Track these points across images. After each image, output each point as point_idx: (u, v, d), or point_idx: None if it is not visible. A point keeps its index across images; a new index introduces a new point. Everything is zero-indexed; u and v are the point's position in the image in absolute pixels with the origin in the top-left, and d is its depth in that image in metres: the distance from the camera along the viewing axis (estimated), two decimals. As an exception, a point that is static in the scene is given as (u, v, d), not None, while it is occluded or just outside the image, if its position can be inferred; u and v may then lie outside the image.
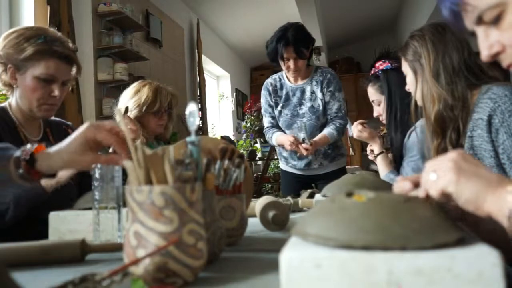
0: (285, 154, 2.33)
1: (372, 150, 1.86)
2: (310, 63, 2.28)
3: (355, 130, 1.82)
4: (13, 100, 1.29)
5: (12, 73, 1.23)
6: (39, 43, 1.21)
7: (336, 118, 2.18)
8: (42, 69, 1.22)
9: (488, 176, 0.51)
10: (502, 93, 0.98)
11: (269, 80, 2.32)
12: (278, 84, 2.28)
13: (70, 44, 1.30)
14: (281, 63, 2.15)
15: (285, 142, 2.14)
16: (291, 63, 2.11)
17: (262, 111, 2.36)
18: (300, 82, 2.24)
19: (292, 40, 2.06)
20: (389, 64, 1.69)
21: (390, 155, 1.77)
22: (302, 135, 2.18)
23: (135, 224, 0.57)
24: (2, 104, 1.32)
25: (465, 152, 0.54)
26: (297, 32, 2.09)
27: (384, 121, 1.74)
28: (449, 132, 1.10)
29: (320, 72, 2.23)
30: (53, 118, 1.42)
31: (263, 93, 2.31)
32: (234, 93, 6.60)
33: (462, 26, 0.61)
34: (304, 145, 2.09)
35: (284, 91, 2.26)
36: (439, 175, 0.52)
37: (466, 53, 1.11)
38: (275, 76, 2.32)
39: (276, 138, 2.24)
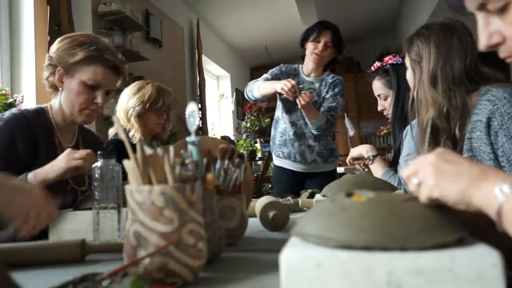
0: (278, 141, 2.39)
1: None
2: (326, 70, 2.40)
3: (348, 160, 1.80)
4: (55, 102, 1.32)
5: (60, 75, 1.27)
6: (91, 49, 1.25)
7: (326, 113, 2.27)
8: (90, 74, 1.25)
9: (471, 171, 0.49)
10: (501, 95, 0.97)
11: (286, 64, 2.43)
12: (293, 72, 2.39)
13: (120, 56, 1.34)
14: (311, 44, 2.26)
15: (278, 84, 2.06)
16: (320, 46, 2.25)
17: (266, 74, 2.37)
18: (312, 77, 2.36)
19: (332, 27, 2.30)
20: (400, 59, 1.68)
21: (390, 154, 1.76)
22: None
23: (135, 224, 0.57)
24: (43, 105, 1.34)
25: (445, 151, 0.53)
26: (337, 27, 2.33)
27: (389, 116, 1.73)
28: (442, 141, 1.08)
29: (332, 76, 2.38)
30: (87, 127, 1.46)
31: (277, 67, 2.39)
32: (234, 93, 6.60)
33: (461, 3, 0.59)
34: (303, 94, 2.05)
35: (296, 80, 2.32)
36: (421, 180, 0.51)
37: (469, 61, 1.08)
38: (294, 65, 2.43)
39: (263, 83, 2.22)
